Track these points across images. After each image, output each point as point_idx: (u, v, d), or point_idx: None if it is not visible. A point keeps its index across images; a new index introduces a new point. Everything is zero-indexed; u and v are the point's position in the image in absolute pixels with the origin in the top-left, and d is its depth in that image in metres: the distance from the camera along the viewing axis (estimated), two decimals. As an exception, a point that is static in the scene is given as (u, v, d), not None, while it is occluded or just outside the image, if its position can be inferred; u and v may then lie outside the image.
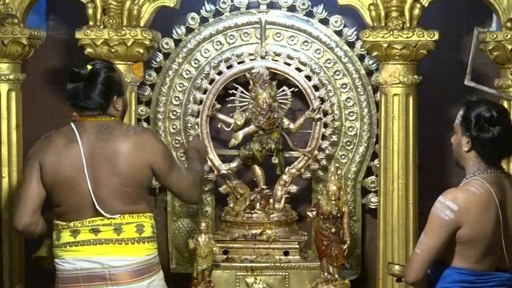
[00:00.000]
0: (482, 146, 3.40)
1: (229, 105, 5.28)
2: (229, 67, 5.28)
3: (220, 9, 5.33)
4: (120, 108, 3.81)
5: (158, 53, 5.33)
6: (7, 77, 4.93)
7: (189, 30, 5.34)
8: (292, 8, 5.31)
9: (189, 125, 5.28)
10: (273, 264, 5.03)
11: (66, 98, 3.83)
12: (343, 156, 5.34)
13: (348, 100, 5.30)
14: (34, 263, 4.16)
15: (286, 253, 5.07)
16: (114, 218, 3.70)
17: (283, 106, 5.17)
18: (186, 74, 5.33)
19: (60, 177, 3.70)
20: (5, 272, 4.96)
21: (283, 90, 5.20)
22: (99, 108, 3.75)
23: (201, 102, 5.27)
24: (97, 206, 3.68)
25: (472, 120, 3.41)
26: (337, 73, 5.30)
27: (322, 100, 5.23)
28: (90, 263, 3.69)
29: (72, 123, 3.78)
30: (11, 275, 4.97)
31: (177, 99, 5.34)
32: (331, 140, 5.27)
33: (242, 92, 5.21)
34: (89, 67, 3.77)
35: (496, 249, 3.41)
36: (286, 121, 5.17)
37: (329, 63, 5.29)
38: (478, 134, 3.39)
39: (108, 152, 3.68)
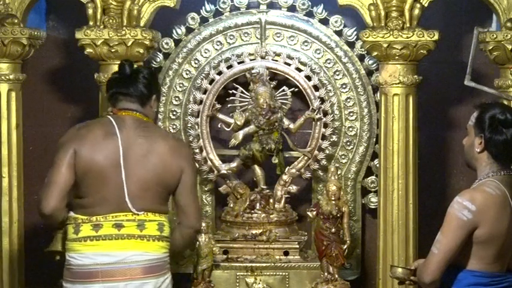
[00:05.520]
0: (496, 148, 3.43)
1: (229, 105, 5.28)
2: (229, 67, 5.28)
3: (220, 9, 5.33)
4: (155, 110, 3.90)
5: (158, 53, 5.33)
6: (7, 77, 4.94)
7: (189, 30, 5.34)
8: (292, 8, 5.31)
9: (189, 125, 5.28)
10: (273, 264, 5.03)
11: (109, 87, 3.87)
12: (343, 156, 5.34)
13: (348, 100, 5.30)
14: (45, 258, 4.12)
15: (286, 253, 5.07)
16: (138, 215, 3.73)
17: (283, 106, 5.17)
18: (186, 74, 5.33)
19: (95, 167, 3.70)
20: (5, 272, 4.96)
21: (283, 90, 5.20)
22: (139, 101, 3.80)
23: (201, 102, 5.27)
24: (127, 200, 3.70)
25: (486, 122, 3.44)
26: (337, 73, 5.30)
27: (322, 100, 5.23)
28: (111, 258, 3.70)
29: (109, 117, 3.81)
30: (11, 274, 4.97)
31: (177, 99, 5.34)
32: (331, 140, 5.27)
33: (242, 92, 5.21)
34: (135, 65, 3.88)
35: (509, 250, 3.44)
36: (286, 121, 5.17)
37: (329, 63, 5.29)
38: (491, 136, 3.42)
39: (146, 149, 3.72)
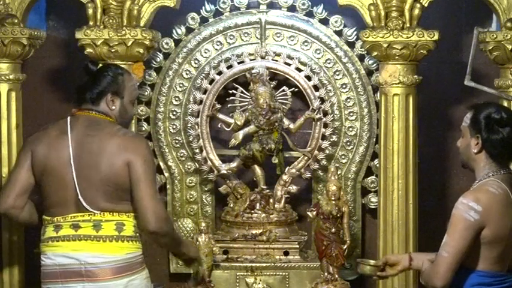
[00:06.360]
0: (493, 147, 3.43)
1: (229, 105, 5.28)
2: (229, 67, 5.28)
3: (220, 9, 5.33)
4: (114, 108, 3.83)
5: (158, 53, 5.33)
6: (7, 77, 4.94)
7: (189, 30, 5.34)
8: (292, 8, 5.30)
9: (189, 125, 5.28)
10: (273, 264, 5.03)
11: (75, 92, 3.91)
12: (343, 156, 5.34)
13: (348, 100, 5.30)
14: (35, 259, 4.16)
15: (286, 253, 5.07)
16: (94, 214, 3.70)
17: (283, 106, 5.17)
18: (186, 74, 5.33)
19: (49, 167, 3.74)
20: (5, 272, 4.96)
21: (283, 90, 5.20)
22: (91, 101, 3.80)
23: (201, 102, 5.27)
24: (80, 198, 3.69)
25: (482, 122, 3.44)
26: (337, 73, 5.30)
27: (322, 100, 5.23)
28: (68, 259, 3.72)
29: (68, 117, 3.83)
30: (10, 274, 4.96)
31: (177, 99, 5.34)
32: (331, 140, 5.27)
33: (242, 92, 5.21)
34: (100, 65, 3.87)
35: (511, 250, 3.44)
36: (286, 121, 5.17)
37: (329, 63, 5.29)
38: (488, 136, 3.42)
39: (93, 147, 3.70)
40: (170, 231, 3.76)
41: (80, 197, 3.69)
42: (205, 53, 5.33)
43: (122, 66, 4.73)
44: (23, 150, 3.85)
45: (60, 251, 3.73)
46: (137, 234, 3.79)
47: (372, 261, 3.83)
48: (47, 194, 3.78)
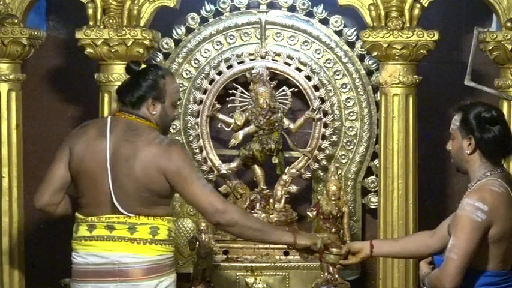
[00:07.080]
0: (487, 146, 3.42)
1: (229, 105, 5.28)
2: (229, 67, 5.28)
3: (220, 9, 5.33)
4: (155, 113, 3.76)
5: (158, 53, 5.33)
6: (7, 77, 4.94)
7: (189, 30, 5.34)
8: (292, 8, 5.31)
9: (189, 125, 5.28)
10: (273, 264, 5.03)
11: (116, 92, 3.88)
12: (343, 156, 5.34)
13: (348, 100, 5.30)
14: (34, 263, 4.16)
15: (286, 253, 5.07)
16: (129, 217, 3.69)
17: (283, 106, 5.18)
18: (186, 74, 5.33)
19: (84, 167, 3.71)
20: (5, 272, 4.96)
21: (283, 90, 5.20)
22: (131, 105, 3.75)
23: (201, 102, 5.27)
24: (115, 202, 3.67)
25: (473, 122, 3.44)
26: (337, 73, 5.30)
27: (322, 100, 5.23)
28: (101, 259, 3.70)
29: (109, 117, 3.79)
30: (11, 273, 4.96)
31: (177, 99, 5.34)
32: (331, 140, 5.27)
33: (242, 92, 5.21)
34: (143, 66, 3.80)
35: None
36: (286, 121, 5.17)
37: (329, 63, 5.29)
38: (481, 135, 3.42)
39: (128, 154, 3.66)
40: (236, 219, 3.71)
41: (114, 201, 3.68)
42: (205, 53, 5.33)
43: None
44: (61, 147, 3.80)
45: (93, 250, 3.72)
46: (171, 238, 3.78)
47: (335, 250, 3.87)
48: (81, 193, 3.76)
